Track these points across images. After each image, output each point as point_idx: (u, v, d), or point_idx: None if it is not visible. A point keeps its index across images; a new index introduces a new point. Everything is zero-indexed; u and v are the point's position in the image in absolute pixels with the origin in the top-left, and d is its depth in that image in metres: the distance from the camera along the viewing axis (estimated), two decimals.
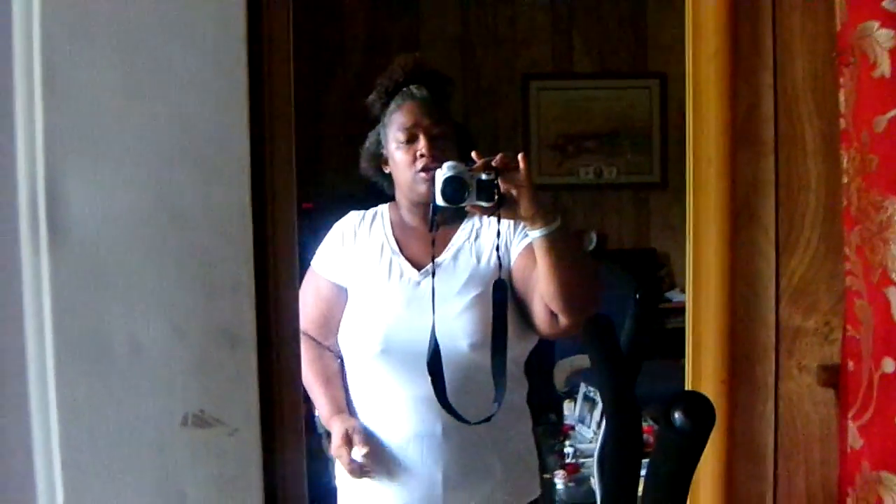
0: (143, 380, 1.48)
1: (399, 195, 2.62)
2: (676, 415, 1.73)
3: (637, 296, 3.51)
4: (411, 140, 2.50)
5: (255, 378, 1.51)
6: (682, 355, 2.34)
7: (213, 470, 1.51)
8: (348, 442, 2.48)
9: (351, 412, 2.60)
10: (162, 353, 1.48)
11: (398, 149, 2.52)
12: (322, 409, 2.59)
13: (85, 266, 1.45)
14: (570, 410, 5.29)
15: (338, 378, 2.65)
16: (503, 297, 2.34)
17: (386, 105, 2.59)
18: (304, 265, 2.65)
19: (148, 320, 1.48)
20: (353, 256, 2.63)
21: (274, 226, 1.58)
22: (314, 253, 2.71)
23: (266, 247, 1.56)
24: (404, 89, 2.57)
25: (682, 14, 2.27)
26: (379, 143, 2.62)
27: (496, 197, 2.21)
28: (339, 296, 2.63)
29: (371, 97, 2.62)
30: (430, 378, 2.29)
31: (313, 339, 2.66)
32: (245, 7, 1.48)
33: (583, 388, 5.21)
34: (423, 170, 2.47)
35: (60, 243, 1.44)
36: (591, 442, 4.89)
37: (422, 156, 2.47)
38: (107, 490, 1.49)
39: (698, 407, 1.77)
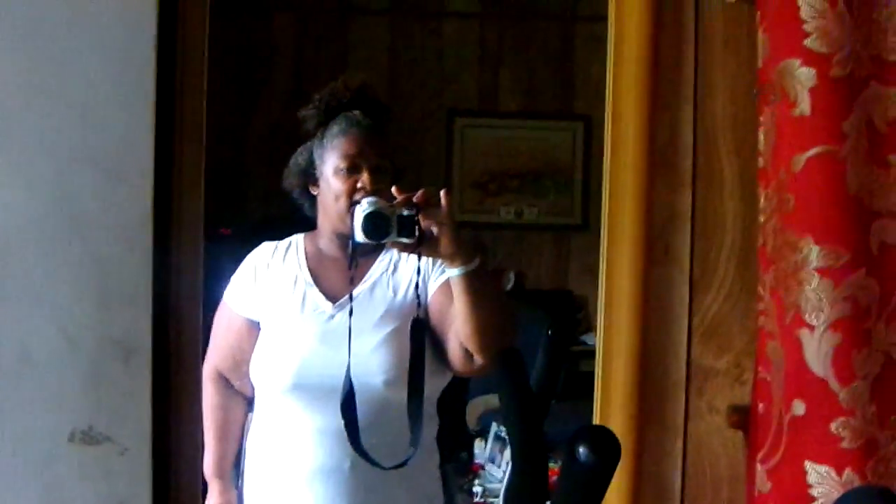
0: (31, 392, 1.42)
1: (323, 221, 2.55)
2: (581, 449, 1.70)
3: (549, 332, 3.48)
4: (353, 170, 2.44)
5: (149, 394, 1.46)
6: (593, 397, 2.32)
7: (102, 490, 1.46)
8: None
9: (252, 443, 2.54)
10: (52, 363, 1.43)
11: (336, 176, 2.45)
12: (206, 462, 2.53)
13: None
14: (481, 449, 5.26)
15: (236, 432, 2.59)
16: (421, 336, 2.30)
17: (323, 123, 2.52)
18: (220, 291, 2.59)
19: (38, 329, 1.42)
20: (266, 289, 2.56)
21: (179, 237, 1.53)
22: (230, 279, 2.64)
23: (169, 259, 1.51)
24: (347, 113, 2.50)
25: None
26: (311, 162, 2.54)
27: (417, 234, 2.17)
28: (251, 331, 2.56)
29: (307, 111, 2.54)
30: (342, 420, 2.24)
31: (224, 382, 2.59)
32: (156, 6, 1.44)
33: (494, 427, 5.18)
34: (359, 202, 2.42)
35: None
36: (500, 482, 4.86)
37: (362, 188, 2.42)
38: None
39: (603, 441, 1.74)
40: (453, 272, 2.21)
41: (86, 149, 1.42)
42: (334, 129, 2.46)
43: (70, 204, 1.42)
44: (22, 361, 1.42)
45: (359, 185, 2.40)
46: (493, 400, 5.42)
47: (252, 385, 2.53)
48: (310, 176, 2.51)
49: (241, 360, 2.53)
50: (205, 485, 2.38)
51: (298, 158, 2.56)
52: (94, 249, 1.43)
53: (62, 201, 1.42)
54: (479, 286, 2.22)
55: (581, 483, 1.74)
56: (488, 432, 5.24)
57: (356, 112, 2.48)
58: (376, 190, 2.34)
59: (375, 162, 2.42)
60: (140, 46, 1.44)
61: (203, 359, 2.19)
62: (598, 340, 2.27)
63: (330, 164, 2.44)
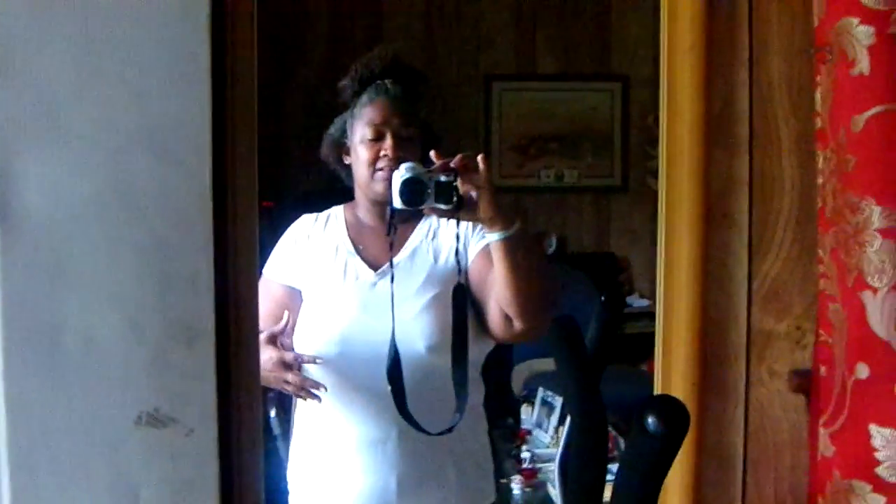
0: (97, 376, 1.43)
1: (357, 191, 2.57)
2: (650, 419, 1.69)
3: (602, 298, 3.48)
4: (378, 138, 2.45)
5: (213, 376, 1.46)
6: (641, 360, 2.31)
7: (168, 471, 1.46)
8: (286, 367, 2.42)
9: (301, 416, 2.55)
10: (117, 348, 1.43)
11: (362, 144, 2.47)
12: None
13: (37, 256, 1.40)
14: (528, 415, 5.25)
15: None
16: (463, 302, 2.30)
17: (357, 94, 2.54)
18: (263, 263, 2.60)
19: (103, 314, 1.42)
20: (307, 258, 2.58)
21: (235, 218, 1.53)
22: (273, 250, 2.65)
23: (226, 240, 1.51)
24: (378, 82, 2.52)
25: (646, 16, 2.24)
26: (343, 132, 2.56)
27: (455, 199, 2.16)
28: (294, 298, 2.57)
29: (344, 82, 2.57)
30: (389, 387, 2.24)
31: None
32: None
33: (541, 392, 5.18)
34: (381, 169, 2.42)
35: (12, 231, 1.38)
36: (548, 447, 4.86)
37: (385, 155, 2.43)
38: (57, 491, 1.44)
39: (672, 411, 1.73)
40: (493, 237, 2.21)
41: (143, 132, 1.42)
42: (363, 98, 2.49)
43: (129, 188, 1.41)
44: (87, 347, 1.42)
45: (381, 152, 2.41)
46: (538, 365, 5.42)
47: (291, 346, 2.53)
48: (342, 145, 2.55)
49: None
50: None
51: (333, 129, 2.59)
52: (155, 233, 1.43)
53: (121, 186, 1.41)
54: (519, 250, 2.21)
55: (649, 453, 1.74)
56: (534, 397, 5.24)
57: (387, 81, 2.50)
58: (400, 157, 2.35)
59: (400, 130, 2.44)
60: (194, 28, 1.43)
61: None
62: (657, 308, 2.26)
63: (358, 132, 2.47)
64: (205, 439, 1.46)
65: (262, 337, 2.39)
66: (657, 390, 2.21)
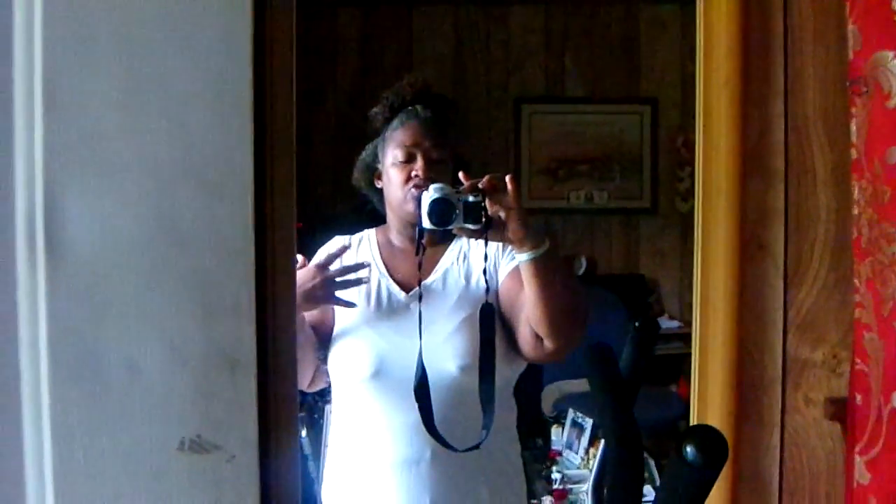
0: (140, 403, 1.44)
1: (389, 214, 2.60)
2: (689, 448, 1.69)
3: (636, 324, 3.49)
4: (409, 159, 2.47)
5: (255, 403, 1.48)
6: (670, 381, 2.32)
7: (211, 497, 1.48)
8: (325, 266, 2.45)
9: (334, 436, 2.56)
10: (160, 376, 1.44)
11: (394, 166, 2.49)
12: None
13: (82, 286, 1.42)
14: (558, 436, 5.26)
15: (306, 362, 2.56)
16: (491, 321, 2.31)
17: (388, 120, 2.57)
18: None
19: (146, 342, 1.44)
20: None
21: (274, 248, 1.54)
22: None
23: (265, 269, 1.53)
24: (409, 108, 2.55)
25: (674, 40, 2.25)
26: (375, 157, 2.60)
27: (483, 219, 2.18)
28: (327, 317, 2.59)
29: (375, 110, 2.60)
30: (417, 405, 2.25)
31: None
32: (251, 23, 1.44)
33: (571, 413, 5.18)
34: (415, 187, 2.44)
35: (58, 262, 1.40)
36: (578, 468, 4.86)
37: (416, 176, 2.45)
38: None
39: (711, 441, 1.73)
40: (522, 257, 2.22)
41: (186, 165, 1.43)
42: (395, 122, 2.52)
43: (172, 219, 1.43)
44: (131, 375, 1.43)
45: (413, 173, 2.43)
46: (567, 386, 5.43)
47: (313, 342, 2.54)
48: (374, 170, 2.58)
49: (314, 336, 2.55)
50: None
51: (365, 154, 2.62)
52: (197, 263, 1.44)
53: (164, 217, 1.43)
54: (549, 270, 2.22)
55: (687, 482, 1.74)
56: (564, 418, 5.24)
57: (417, 106, 2.53)
58: (431, 178, 2.37)
59: (431, 152, 2.46)
60: (236, 61, 1.45)
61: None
62: (693, 337, 2.27)
63: (390, 155, 2.49)
64: (246, 465, 1.48)
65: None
66: (693, 418, 2.21)
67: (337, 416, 2.59)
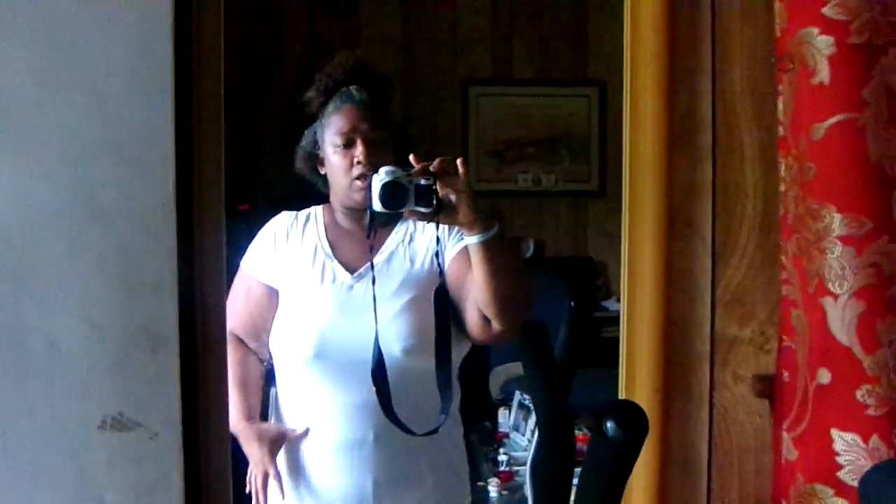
0: (61, 381, 1.43)
1: (333, 199, 2.57)
2: (609, 424, 1.70)
3: (572, 303, 3.47)
4: (348, 145, 2.45)
5: (178, 380, 1.47)
6: (615, 364, 2.32)
7: (133, 475, 1.47)
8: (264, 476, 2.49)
9: (277, 417, 2.55)
10: (80, 353, 1.43)
11: (335, 153, 2.47)
12: (232, 414, 2.52)
13: (1, 263, 1.40)
14: (505, 418, 5.26)
15: (257, 385, 2.59)
16: (445, 305, 2.30)
17: (324, 103, 2.53)
18: (238, 267, 2.60)
19: (66, 319, 1.43)
20: (285, 258, 2.58)
21: (201, 224, 1.53)
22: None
23: (192, 246, 1.52)
24: (343, 89, 2.51)
25: (622, 22, 2.24)
26: (315, 143, 2.56)
27: (435, 202, 2.17)
28: (270, 298, 2.57)
29: (309, 94, 2.56)
30: (374, 388, 2.24)
31: (240, 342, 2.60)
32: None
33: (517, 395, 5.18)
34: (359, 177, 2.42)
35: None
36: (525, 450, 4.86)
37: (358, 162, 2.42)
38: (21, 496, 1.44)
39: (631, 416, 1.74)
40: (472, 240, 2.21)
41: (105, 139, 1.42)
42: (330, 107, 2.49)
43: (92, 194, 1.42)
44: (50, 352, 1.42)
45: (354, 159, 2.41)
46: (515, 368, 5.42)
47: (268, 349, 2.55)
48: (316, 157, 2.54)
49: (260, 327, 2.56)
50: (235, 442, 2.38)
51: (304, 141, 2.58)
52: (118, 239, 1.43)
53: (84, 192, 1.42)
54: (498, 253, 2.22)
55: (609, 458, 1.75)
56: (511, 401, 5.24)
57: (352, 87, 2.49)
58: (373, 162, 2.35)
59: (370, 134, 2.43)
60: (157, 35, 1.43)
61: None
62: (621, 314, 2.27)
63: (329, 141, 2.46)
64: (169, 443, 1.47)
65: (237, 420, 2.47)
66: (621, 395, 2.22)
67: (280, 397, 2.58)
